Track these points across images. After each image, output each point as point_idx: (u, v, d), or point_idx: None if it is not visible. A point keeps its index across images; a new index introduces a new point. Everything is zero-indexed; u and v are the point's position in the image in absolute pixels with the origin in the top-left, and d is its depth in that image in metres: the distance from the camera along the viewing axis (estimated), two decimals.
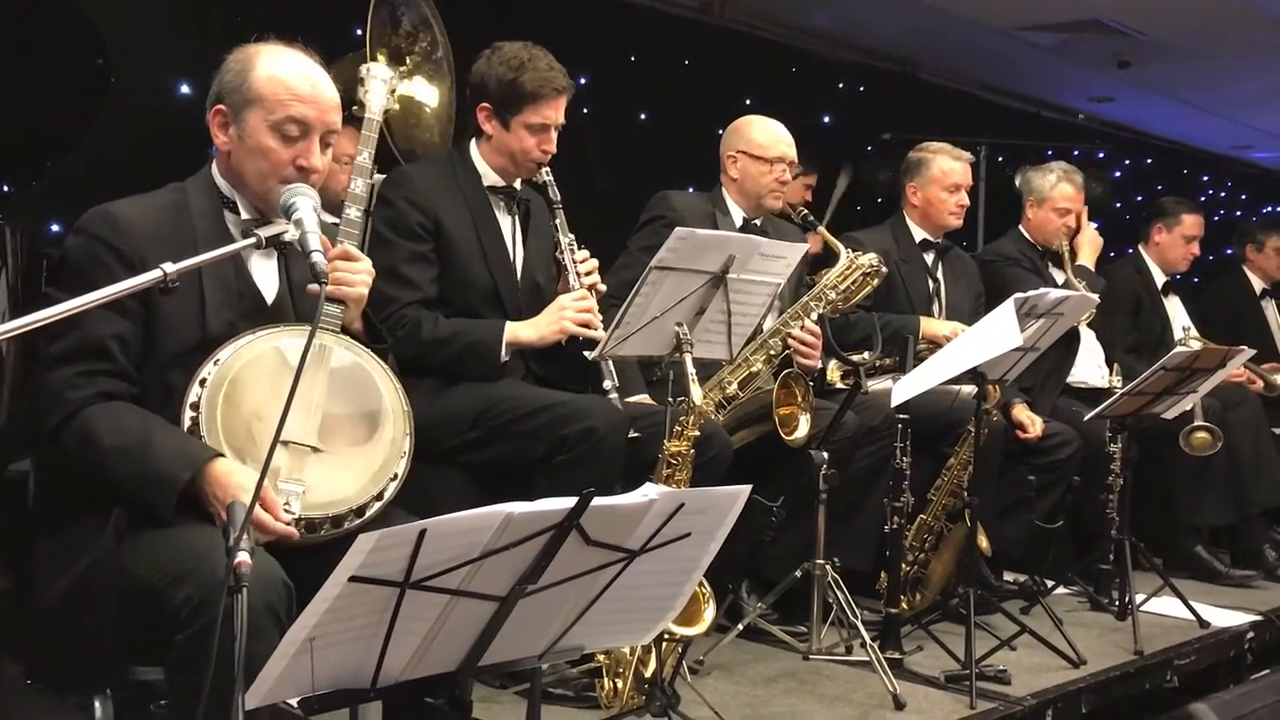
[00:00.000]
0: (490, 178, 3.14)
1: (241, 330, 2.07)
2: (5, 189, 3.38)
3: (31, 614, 2.09)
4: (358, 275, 2.18)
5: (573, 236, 3.11)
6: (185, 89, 4.48)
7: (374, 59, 4.05)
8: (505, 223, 3.15)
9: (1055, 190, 4.73)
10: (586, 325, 2.98)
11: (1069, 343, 4.22)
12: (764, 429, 3.47)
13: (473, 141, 3.17)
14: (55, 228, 4.05)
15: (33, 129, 3.11)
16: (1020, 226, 4.82)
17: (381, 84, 2.86)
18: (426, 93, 4.22)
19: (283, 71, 2.18)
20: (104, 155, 3.91)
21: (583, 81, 5.89)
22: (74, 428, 1.98)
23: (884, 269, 3.69)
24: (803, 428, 3.44)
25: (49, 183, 3.58)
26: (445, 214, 3.04)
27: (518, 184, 3.18)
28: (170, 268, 1.67)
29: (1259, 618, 4.20)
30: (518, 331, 3.00)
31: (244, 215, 2.17)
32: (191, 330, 2.09)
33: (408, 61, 4.16)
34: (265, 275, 2.19)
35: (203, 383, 1.97)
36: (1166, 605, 4.13)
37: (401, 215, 3.01)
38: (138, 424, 1.98)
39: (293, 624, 1.45)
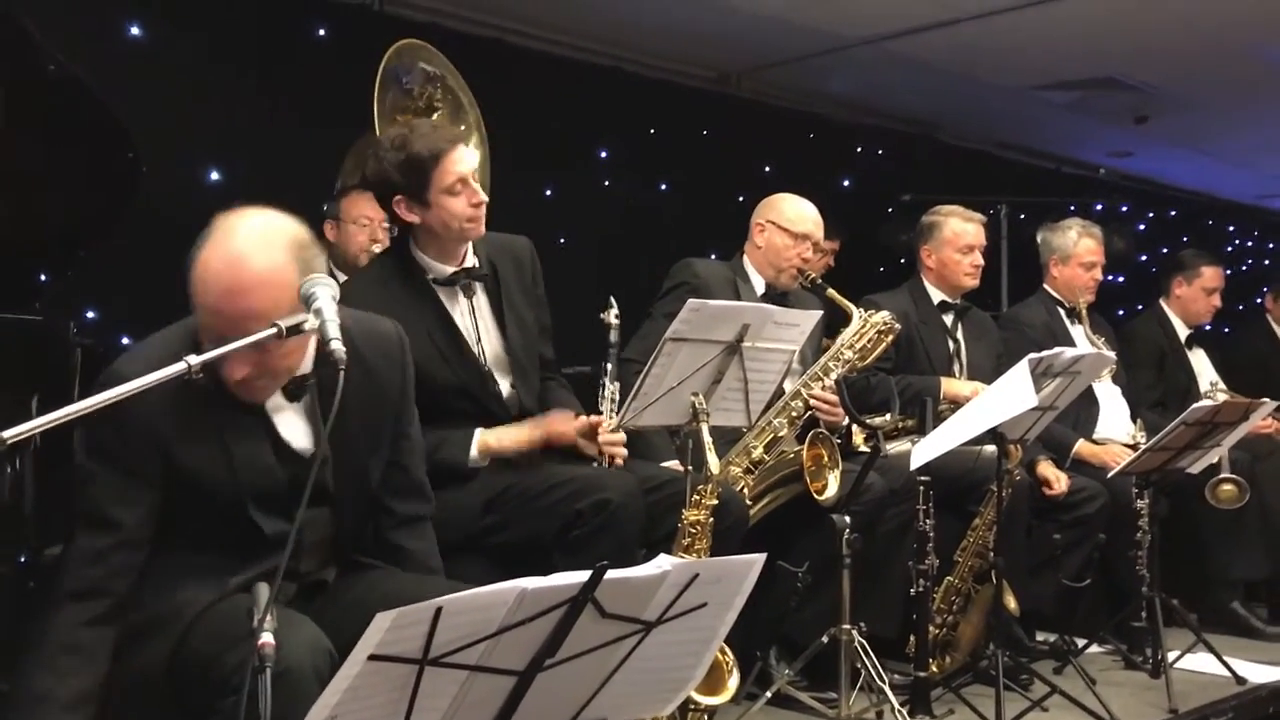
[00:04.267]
0: (434, 269, 2.99)
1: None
2: (42, 278, 3.48)
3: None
4: None
5: (616, 386, 3.09)
6: (215, 175, 4.62)
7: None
8: (463, 310, 3.02)
9: (1079, 246, 4.75)
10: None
11: None
12: (795, 490, 3.49)
13: (409, 243, 3.01)
14: (90, 314, 4.18)
15: (66, 222, 3.22)
16: (1046, 285, 4.83)
17: None
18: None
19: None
20: (137, 242, 4.03)
21: (604, 155, 6.06)
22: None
23: (897, 325, 3.74)
24: (832, 486, 3.46)
25: (84, 271, 3.70)
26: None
27: (470, 258, 3.03)
28: (194, 359, 1.74)
29: None
30: (488, 441, 2.93)
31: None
32: (215, 475, 2.13)
33: (435, 123, 4.27)
34: (294, 429, 2.21)
35: None
36: (1202, 662, 4.08)
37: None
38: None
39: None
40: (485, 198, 2.94)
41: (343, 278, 4.02)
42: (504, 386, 3.05)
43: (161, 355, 1.98)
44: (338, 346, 1.83)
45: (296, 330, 1.85)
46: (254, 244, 2.00)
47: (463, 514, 2.86)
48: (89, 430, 2.08)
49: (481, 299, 3.05)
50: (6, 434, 1.55)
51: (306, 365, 2.17)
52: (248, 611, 1.66)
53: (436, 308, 2.97)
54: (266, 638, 1.56)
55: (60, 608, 2.05)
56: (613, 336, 3.10)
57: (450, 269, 2.99)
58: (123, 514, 2.08)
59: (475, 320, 3.02)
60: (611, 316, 3.12)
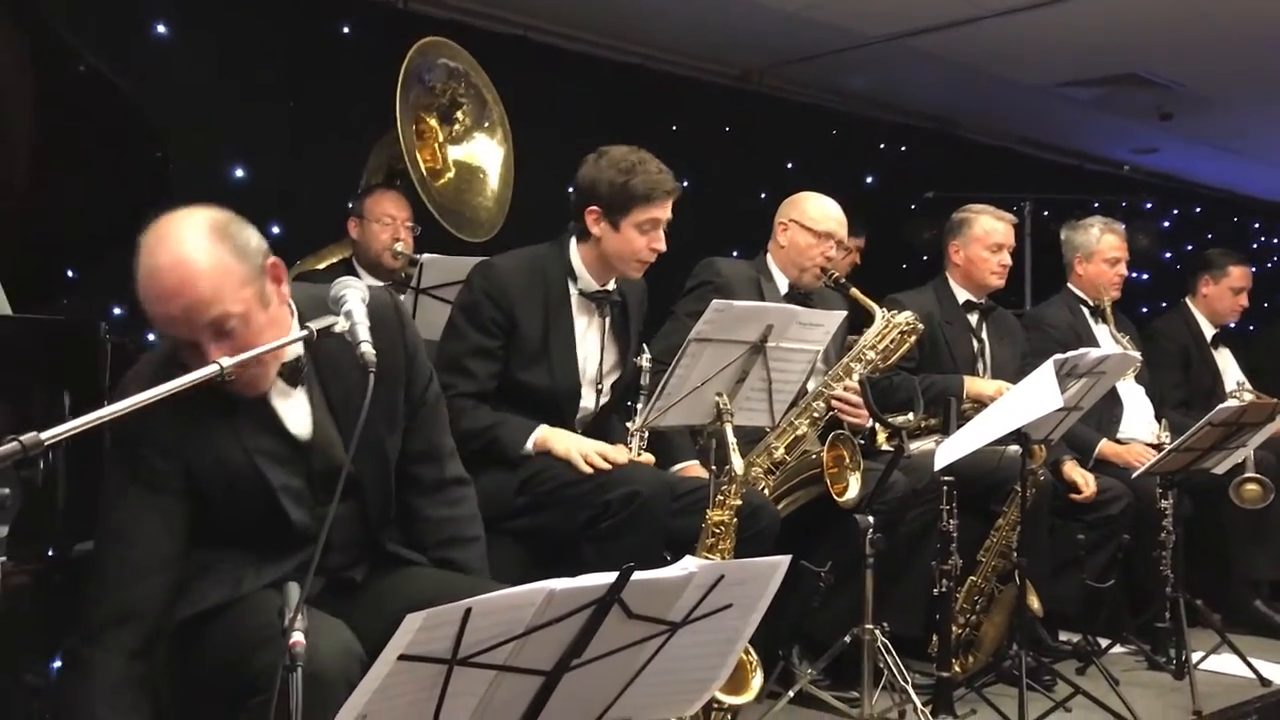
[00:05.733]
0: (585, 280, 3.16)
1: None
2: (70, 275, 3.52)
3: None
4: None
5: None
6: (239, 173, 4.65)
7: (422, 126, 4.21)
8: (590, 326, 3.18)
9: (1101, 242, 4.73)
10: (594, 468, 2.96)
11: None
12: (815, 491, 3.49)
13: (572, 240, 3.19)
14: (118, 311, 4.21)
15: (95, 219, 3.25)
16: (1070, 284, 4.82)
17: None
18: (487, 153, 4.35)
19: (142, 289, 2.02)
20: None
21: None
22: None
23: (920, 326, 3.74)
24: (853, 488, 3.46)
25: (112, 269, 3.73)
26: (522, 314, 3.07)
27: (612, 284, 3.21)
28: (227, 362, 1.76)
29: None
30: (548, 440, 3.00)
31: None
32: (235, 470, 2.12)
33: (459, 119, 4.30)
34: (296, 415, 2.18)
35: None
36: (1226, 663, 4.06)
37: (478, 306, 3.05)
38: None
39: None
40: (664, 248, 3.12)
41: (365, 275, 4.07)
42: (589, 403, 3.18)
43: (154, 371, 2.02)
44: (368, 349, 1.85)
45: (327, 333, 1.86)
46: (169, 246, 1.97)
47: (499, 492, 2.92)
48: (111, 450, 2.11)
49: (608, 321, 3.20)
50: (44, 435, 1.56)
51: (297, 348, 2.13)
52: (278, 611, 1.67)
53: (564, 313, 3.12)
54: (297, 637, 1.58)
55: (97, 641, 2.04)
56: (644, 380, 3.13)
57: (597, 286, 3.16)
58: (153, 532, 2.08)
59: (601, 337, 3.18)
60: (644, 361, 3.16)
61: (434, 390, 2.39)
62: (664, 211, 3.10)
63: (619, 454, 2.95)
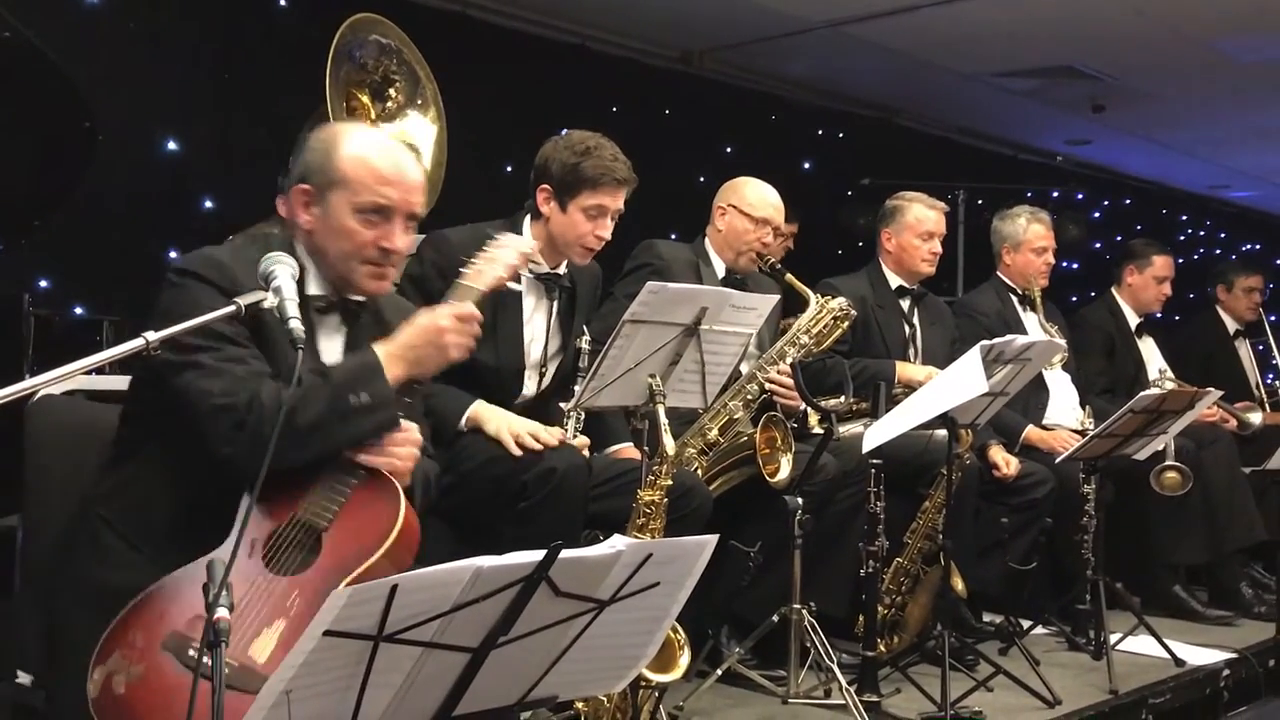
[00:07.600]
0: (535, 261, 3.16)
1: None
2: None
3: None
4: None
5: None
6: (171, 145, 4.58)
7: (354, 103, 4.16)
8: (538, 308, 3.20)
9: (1028, 233, 4.80)
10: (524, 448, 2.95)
11: None
12: (748, 472, 3.52)
13: (526, 219, 3.20)
14: (44, 283, 4.14)
15: (21, 190, 3.19)
16: (999, 273, 4.89)
17: None
18: (419, 130, 4.31)
19: (367, 153, 2.21)
20: (92, 211, 4.00)
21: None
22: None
23: (853, 312, 3.78)
24: (784, 469, 3.50)
25: (37, 240, 3.66)
26: None
27: (563, 269, 3.23)
28: (152, 336, 1.74)
29: (1234, 655, 4.22)
30: (481, 417, 2.99)
31: (312, 289, 2.22)
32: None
33: (392, 96, 4.25)
34: (331, 352, 2.27)
35: None
36: (1143, 644, 4.16)
37: (426, 279, 3.04)
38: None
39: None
40: (609, 237, 3.16)
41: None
42: (530, 386, 3.19)
43: (246, 268, 2.06)
44: (296, 325, 1.84)
45: (255, 307, 1.85)
46: (406, 152, 2.28)
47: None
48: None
49: (555, 305, 3.22)
50: None
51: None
52: (203, 588, 1.66)
53: (513, 293, 3.13)
54: (222, 613, 1.57)
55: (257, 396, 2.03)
56: (583, 362, 3.14)
57: (547, 267, 3.19)
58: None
59: (548, 321, 3.20)
60: (584, 343, 3.17)
61: None
62: (613, 200, 3.13)
63: (551, 435, 2.94)
